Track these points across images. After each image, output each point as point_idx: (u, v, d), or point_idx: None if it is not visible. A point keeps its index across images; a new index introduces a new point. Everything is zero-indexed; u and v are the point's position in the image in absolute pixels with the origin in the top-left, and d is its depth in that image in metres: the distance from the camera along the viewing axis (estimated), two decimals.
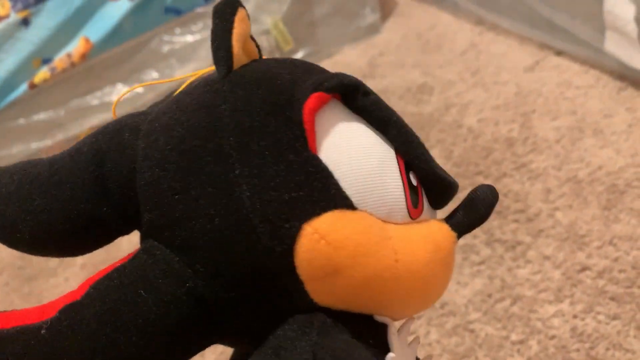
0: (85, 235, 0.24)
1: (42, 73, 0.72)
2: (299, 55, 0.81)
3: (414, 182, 0.24)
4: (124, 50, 0.75)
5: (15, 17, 0.70)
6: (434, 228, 0.24)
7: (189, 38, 0.78)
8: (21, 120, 0.74)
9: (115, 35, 0.73)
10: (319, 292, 0.21)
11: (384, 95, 0.81)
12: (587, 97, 0.61)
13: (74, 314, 0.21)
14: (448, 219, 0.25)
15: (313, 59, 0.84)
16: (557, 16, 0.64)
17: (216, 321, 0.22)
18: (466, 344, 0.44)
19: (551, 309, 0.45)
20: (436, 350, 0.45)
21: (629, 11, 0.55)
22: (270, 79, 0.23)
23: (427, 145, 0.69)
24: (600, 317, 0.43)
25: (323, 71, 0.25)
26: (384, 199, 0.23)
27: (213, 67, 0.28)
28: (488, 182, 0.56)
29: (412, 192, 0.24)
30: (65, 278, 0.59)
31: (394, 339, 0.23)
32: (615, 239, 0.48)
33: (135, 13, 0.74)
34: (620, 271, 0.45)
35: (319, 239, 0.21)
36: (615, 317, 0.43)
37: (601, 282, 0.45)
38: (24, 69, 0.72)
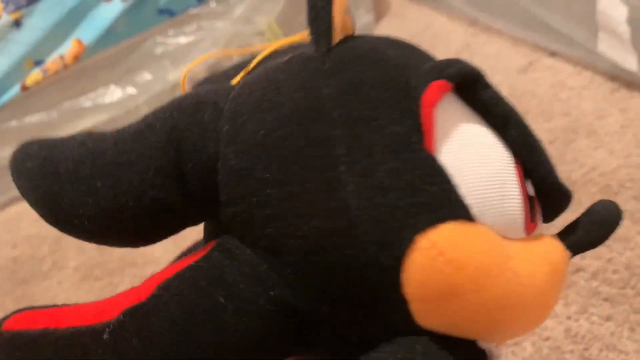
0: (151, 223, 0.20)
1: (34, 75, 0.72)
2: None
3: (531, 192, 0.21)
4: (117, 51, 0.75)
5: (6, 18, 0.70)
6: (549, 247, 0.21)
7: (183, 39, 0.78)
8: (13, 123, 0.74)
9: (108, 36, 0.73)
10: (427, 315, 0.19)
11: None
12: (581, 99, 0.61)
13: (140, 318, 0.19)
14: (562, 236, 0.22)
15: None
16: (551, 17, 0.64)
17: (303, 335, 0.19)
18: None
19: None
20: None
21: (622, 12, 0.55)
22: (378, 60, 0.20)
23: None
24: (594, 318, 0.43)
25: (432, 56, 0.22)
26: (504, 210, 0.20)
27: (293, 39, 0.24)
28: None
29: (529, 202, 0.21)
30: (58, 281, 0.59)
31: None
32: (609, 240, 0.48)
33: (128, 14, 0.73)
34: (614, 272, 0.45)
35: (437, 255, 0.18)
36: (608, 318, 0.43)
37: (595, 283, 0.45)
38: (16, 71, 0.71)
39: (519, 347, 0.43)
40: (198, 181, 0.20)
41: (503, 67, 0.68)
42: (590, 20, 0.59)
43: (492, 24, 0.73)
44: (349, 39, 0.21)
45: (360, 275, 0.18)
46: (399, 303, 0.18)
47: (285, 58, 0.22)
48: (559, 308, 0.44)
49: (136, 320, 0.19)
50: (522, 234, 0.21)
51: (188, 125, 0.20)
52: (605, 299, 0.44)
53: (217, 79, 0.24)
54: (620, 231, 0.48)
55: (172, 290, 0.19)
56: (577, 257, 0.47)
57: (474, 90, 0.20)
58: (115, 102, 0.75)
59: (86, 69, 0.74)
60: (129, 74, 0.77)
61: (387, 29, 0.82)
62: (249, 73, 0.23)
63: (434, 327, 0.19)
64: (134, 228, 0.21)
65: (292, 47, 0.23)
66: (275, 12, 0.78)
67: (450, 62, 0.20)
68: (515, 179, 0.20)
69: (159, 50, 0.77)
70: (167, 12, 0.77)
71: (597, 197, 0.51)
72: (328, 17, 0.20)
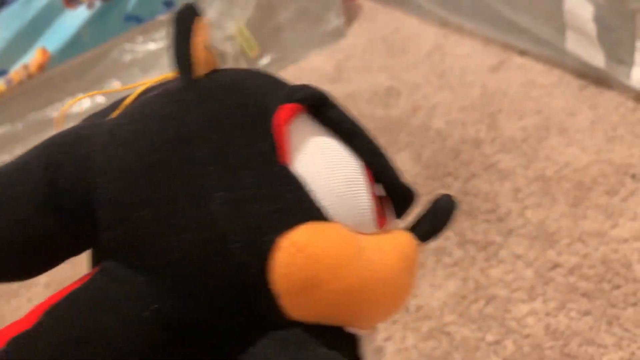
0: (33, 257, 0.22)
1: None
2: (265, 61, 0.80)
3: (380, 192, 0.24)
4: (84, 60, 0.73)
5: None
6: (399, 237, 0.24)
7: (152, 46, 0.77)
8: None
9: (74, 44, 0.71)
10: (295, 307, 0.21)
11: (351, 99, 0.81)
12: (551, 96, 0.62)
13: (25, 345, 0.20)
14: (411, 228, 0.25)
15: (279, 64, 0.83)
16: (520, 17, 0.65)
17: (187, 342, 0.21)
18: (443, 347, 0.44)
19: (525, 308, 0.45)
20: (413, 355, 0.44)
21: (588, 11, 0.56)
22: (238, 88, 0.23)
23: (396, 148, 0.69)
24: (572, 314, 0.44)
25: (288, 83, 0.25)
26: (356, 209, 0.23)
27: (166, 76, 0.28)
28: (457, 183, 0.56)
29: (380, 203, 0.24)
30: (28, 299, 0.57)
31: (366, 350, 0.23)
32: (584, 235, 0.48)
33: (94, 22, 0.72)
34: (590, 267, 0.46)
35: (296, 252, 0.20)
36: (586, 313, 0.43)
37: (572, 279, 0.46)
38: None
39: (499, 345, 0.43)
40: (76, 213, 0.22)
41: (474, 67, 0.69)
42: (558, 20, 0.60)
43: (462, 25, 0.74)
44: (213, 72, 0.24)
45: (234, 280, 0.20)
46: (271, 300, 0.21)
47: (157, 91, 0.24)
48: (538, 305, 0.45)
49: (22, 348, 0.20)
50: (374, 229, 0.23)
51: (64, 160, 0.22)
52: (583, 294, 0.44)
53: (100, 115, 0.26)
54: (594, 226, 0.49)
55: (57, 315, 0.20)
56: (554, 254, 0.48)
57: (323, 111, 0.23)
58: (84, 112, 0.74)
59: (52, 79, 0.72)
60: (98, 83, 0.75)
61: (358, 32, 0.82)
62: (126, 107, 0.25)
63: (304, 317, 0.21)
64: (15, 262, 0.22)
65: (165, 82, 0.26)
66: (245, 17, 0.78)
67: (300, 88, 0.23)
68: (365, 182, 0.23)
69: (127, 57, 0.76)
70: (135, 19, 0.75)
71: (571, 194, 0.52)
72: (188, 51, 0.23)
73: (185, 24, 0.23)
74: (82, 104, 0.74)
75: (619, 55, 0.56)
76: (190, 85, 0.23)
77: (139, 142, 0.22)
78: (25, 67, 0.70)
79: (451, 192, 0.57)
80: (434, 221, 0.25)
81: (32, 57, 0.70)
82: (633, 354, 0.40)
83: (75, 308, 0.20)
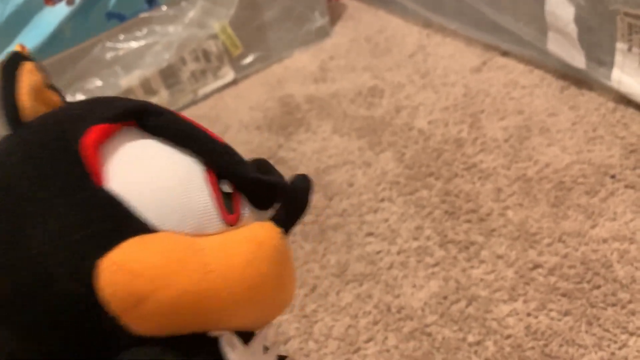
0: None
1: None
2: (248, 60, 0.80)
3: (229, 189, 0.24)
4: (64, 57, 0.72)
5: None
6: (255, 228, 0.24)
7: (134, 44, 0.76)
8: None
9: (54, 42, 0.70)
10: (137, 323, 0.21)
11: (335, 99, 0.81)
12: (533, 97, 0.62)
13: None
14: (272, 217, 0.25)
15: (263, 63, 0.83)
16: (502, 18, 0.65)
17: None
18: (424, 347, 0.44)
19: (506, 309, 0.45)
20: (394, 356, 0.44)
21: (569, 12, 0.57)
22: (57, 121, 0.23)
23: (379, 148, 0.69)
24: (553, 314, 0.44)
25: (118, 102, 0.25)
26: (190, 213, 0.23)
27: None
28: (439, 183, 0.56)
29: (226, 200, 0.24)
30: None
31: (228, 350, 0.23)
32: (564, 235, 0.48)
33: (74, 19, 0.71)
34: (570, 267, 0.46)
35: (117, 269, 0.20)
36: (567, 313, 0.44)
37: (552, 279, 0.46)
38: None
39: (481, 346, 0.43)
40: None
41: (457, 67, 0.69)
42: (539, 20, 0.60)
43: (445, 25, 0.74)
44: (49, 111, 0.25)
45: (69, 312, 0.21)
46: (112, 321, 0.21)
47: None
48: (519, 305, 0.45)
49: None
50: (222, 227, 0.24)
51: None
52: (563, 295, 0.45)
53: None
54: (574, 226, 0.49)
55: None
56: (534, 254, 0.48)
57: (147, 121, 0.24)
58: None
59: (30, 55, 0.71)
60: (79, 81, 0.74)
61: (343, 31, 0.82)
62: None
63: (152, 332, 0.22)
64: None
65: None
66: (228, 16, 0.77)
67: (113, 106, 0.24)
68: (201, 183, 0.23)
69: (109, 55, 0.75)
70: (117, 17, 0.74)
71: (552, 194, 0.52)
72: (11, 100, 0.24)
73: (8, 71, 0.24)
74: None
75: (599, 56, 0.57)
76: (16, 131, 0.23)
77: None
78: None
79: (433, 192, 0.57)
80: (291, 204, 0.25)
81: None
82: (613, 354, 0.40)
83: None
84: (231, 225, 0.24)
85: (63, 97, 0.26)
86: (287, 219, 0.25)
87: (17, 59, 0.24)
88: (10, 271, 0.21)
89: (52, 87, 0.25)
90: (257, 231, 0.24)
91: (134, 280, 0.20)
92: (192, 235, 0.23)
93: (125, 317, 0.21)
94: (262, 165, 0.27)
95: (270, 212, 0.26)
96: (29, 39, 0.70)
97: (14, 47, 0.73)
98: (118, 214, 0.21)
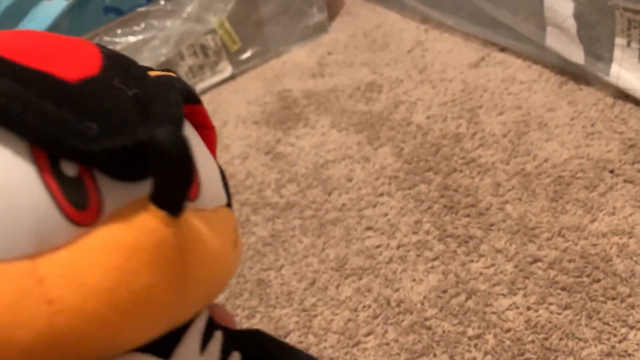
0: None
1: None
2: (247, 55, 0.80)
3: (72, 172, 0.17)
4: None
5: None
6: (123, 225, 0.16)
7: (131, 39, 0.76)
8: None
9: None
10: None
11: (333, 94, 0.80)
12: (531, 92, 0.62)
13: None
14: (150, 195, 0.16)
15: (261, 58, 0.82)
16: (500, 13, 0.65)
17: None
18: (424, 341, 0.44)
19: (505, 302, 0.45)
20: (394, 349, 0.44)
21: (568, 7, 0.57)
22: None
23: (377, 143, 0.68)
24: (553, 308, 0.44)
25: None
26: (19, 227, 0.16)
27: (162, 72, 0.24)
28: (438, 178, 0.56)
29: (69, 189, 0.16)
30: None
31: None
32: (564, 229, 0.48)
33: (72, 13, 0.70)
34: (570, 261, 0.46)
35: None
36: (566, 307, 0.44)
37: (552, 273, 0.46)
38: None
39: (480, 340, 0.43)
40: None
41: (455, 62, 0.69)
42: (538, 16, 0.60)
43: (443, 20, 0.74)
44: None
45: None
46: None
47: None
48: (519, 299, 0.45)
49: None
50: (74, 229, 0.16)
51: None
52: (563, 288, 0.45)
53: None
54: (574, 220, 0.49)
55: None
56: (534, 248, 0.48)
57: None
58: None
59: None
60: None
61: (341, 27, 0.82)
62: None
63: None
64: None
65: None
66: (226, 11, 0.77)
67: None
68: (25, 177, 0.16)
69: None
70: (114, 11, 0.74)
71: (551, 188, 0.52)
72: None
73: None
74: None
75: (598, 51, 0.57)
76: None
77: None
78: None
79: (432, 187, 0.57)
80: (164, 173, 0.16)
81: None
82: (613, 347, 0.41)
83: None
84: (89, 225, 0.17)
85: None
86: (165, 193, 0.16)
87: None
88: None
89: None
90: (127, 231, 0.16)
91: None
92: (30, 257, 0.16)
93: None
94: (151, 97, 0.19)
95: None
96: None
97: None
98: None
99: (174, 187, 0.16)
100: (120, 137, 0.16)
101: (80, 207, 0.17)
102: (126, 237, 0.16)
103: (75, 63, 0.19)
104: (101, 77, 0.18)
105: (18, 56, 0.18)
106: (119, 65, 0.20)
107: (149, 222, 0.16)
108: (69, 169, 0.17)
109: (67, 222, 0.16)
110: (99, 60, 0.19)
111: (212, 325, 0.21)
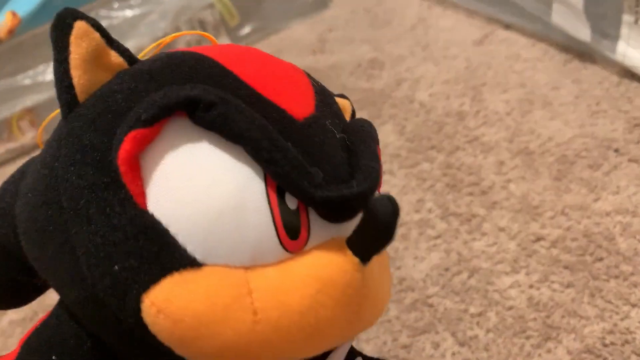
0: (5, 295, 0.23)
1: None
2: (246, 31, 0.78)
3: (293, 205, 0.19)
4: None
5: None
6: (323, 260, 0.19)
7: (128, 13, 0.74)
8: None
9: (46, 9, 0.68)
10: (192, 356, 0.19)
11: (334, 71, 0.79)
12: (535, 70, 0.61)
13: None
14: (348, 241, 0.19)
15: (260, 34, 0.81)
16: None
17: None
18: (425, 318, 0.44)
19: (508, 280, 0.45)
20: (396, 326, 0.44)
21: None
22: (103, 112, 0.19)
23: (379, 121, 0.68)
24: (555, 286, 0.44)
25: (185, 79, 0.20)
26: (244, 241, 0.19)
27: (159, 42, 0.25)
28: (441, 156, 0.56)
29: (288, 221, 0.19)
30: None
31: None
32: (567, 208, 0.48)
33: None
34: (573, 240, 0.46)
35: (157, 312, 0.18)
36: (569, 285, 0.44)
37: (555, 252, 0.46)
38: None
39: (483, 317, 0.43)
40: (24, 259, 0.22)
41: (459, 39, 0.68)
42: None
43: None
44: (105, 85, 0.21)
45: (127, 334, 0.19)
46: (170, 351, 0.19)
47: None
48: (521, 277, 0.45)
49: None
50: (283, 254, 0.19)
51: (2, 212, 0.22)
52: (565, 267, 0.45)
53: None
54: (577, 199, 0.49)
55: (26, 349, 0.21)
56: (537, 227, 0.48)
57: (196, 115, 0.19)
58: None
59: (23, 45, 0.69)
60: None
61: (342, 3, 0.81)
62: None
63: None
64: None
65: None
66: None
67: (153, 101, 0.19)
68: (260, 200, 0.19)
69: (103, 24, 0.73)
70: None
71: (555, 167, 0.52)
72: (63, 77, 0.20)
73: (58, 41, 0.20)
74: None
75: (604, 29, 0.56)
76: (66, 117, 0.20)
77: (27, 195, 0.21)
78: None
79: (435, 165, 0.57)
80: (370, 230, 0.19)
81: (2, 21, 0.67)
82: (615, 325, 0.41)
83: (33, 347, 0.21)
84: (293, 253, 0.19)
85: (127, 55, 0.21)
86: (363, 250, 0.19)
87: (66, 20, 0.20)
88: (73, 285, 0.19)
89: (113, 44, 0.20)
90: (327, 266, 0.19)
91: (175, 326, 0.18)
92: (245, 267, 0.19)
93: (179, 350, 0.19)
94: (356, 143, 0.21)
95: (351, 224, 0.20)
96: (20, 6, 0.68)
97: (4, 14, 0.71)
98: (158, 245, 0.18)
99: (375, 244, 0.19)
100: (339, 188, 0.19)
101: (293, 237, 0.19)
102: (323, 272, 0.19)
103: (298, 98, 0.21)
104: (317, 117, 0.21)
105: (258, 84, 0.20)
106: (326, 101, 0.22)
107: (344, 264, 0.19)
108: (291, 202, 0.19)
109: (280, 247, 0.19)
110: (313, 95, 0.22)
111: (353, 350, 0.24)
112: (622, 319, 0.41)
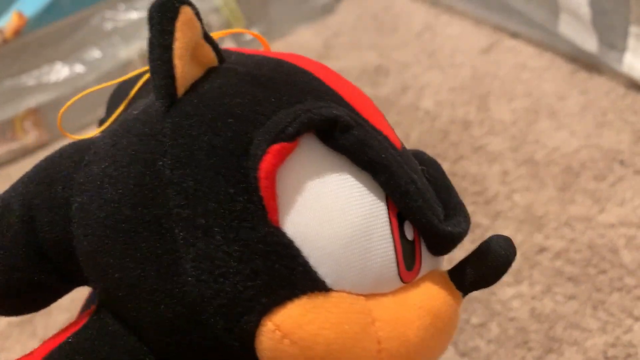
0: (25, 299, 0.21)
1: None
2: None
3: (410, 235, 0.20)
4: (62, 26, 0.71)
5: None
6: (432, 292, 0.20)
7: (134, 15, 0.74)
8: None
9: (53, 9, 0.68)
10: None
11: None
12: (542, 80, 0.61)
13: None
14: (453, 274, 0.21)
15: (266, 38, 0.81)
16: None
17: None
18: None
19: (510, 291, 0.44)
20: None
21: None
22: (221, 114, 0.18)
23: None
24: (558, 298, 0.43)
25: (300, 91, 0.19)
26: (369, 269, 0.19)
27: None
28: (446, 164, 0.55)
29: (406, 251, 0.20)
30: None
31: None
32: (571, 219, 0.48)
33: None
34: (576, 251, 0.46)
35: (282, 337, 0.17)
36: (572, 297, 0.43)
37: (558, 263, 0.45)
38: None
39: (485, 328, 0.43)
40: (61, 259, 0.20)
41: (465, 48, 0.68)
42: (551, 2, 0.59)
43: (453, 4, 0.73)
44: (205, 81, 0.19)
45: (218, 356, 0.18)
46: None
47: (137, 111, 0.20)
48: (524, 288, 0.44)
49: None
50: (398, 284, 0.20)
51: (42, 202, 0.20)
52: (569, 279, 0.44)
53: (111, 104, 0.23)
54: (582, 211, 0.48)
55: None
56: (541, 238, 0.48)
57: (332, 136, 0.19)
58: (62, 80, 0.71)
59: (29, 45, 0.69)
60: (77, 51, 0.73)
61: (348, 8, 0.81)
62: (111, 123, 0.22)
63: None
64: (7, 303, 0.21)
65: (149, 97, 0.21)
66: None
67: (296, 115, 0.18)
68: (384, 228, 0.19)
69: (108, 25, 0.73)
70: None
71: (560, 178, 0.51)
72: (166, 67, 0.18)
73: (162, 25, 0.18)
74: (60, 73, 0.71)
75: (611, 40, 0.56)
76: (167, 110, 0.19)
77: (109, 191, 0.19)
78: (0, 31, 0.67)
79: None
80: (481, 268, 0.20)
81: (8, 22, 0.67)
82: (618, 338, 0.40)
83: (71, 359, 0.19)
84: (405, 283, 0.20)
85: (217, 50, 0.20)
86: (469, 284, 0.20)
87: (173, 4, 0.18)
88: (162, 299, 0.18)
89: (207, 37, 0.19)
90: (436, 298, 0.20)
91: (301, 353, 0.17)
92: (366, 296, 0.19)
93: None
94: (435, 177, 0.22)
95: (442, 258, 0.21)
96: (27, 6, 0.68)
97: (10, 15, 0.71)
98: (291, 266, 0.17)
99: (484, 280, 0.20)
100: (455, 224, 0.20)
101: (409, 267, 0.20)
102: (434, 305, 0.20)
103: (388, 127, 0.22)
104: (403, 147, 0.22)
105: (359, 107, 0.21)
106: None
107: (449, 297, 0.20)
108: (409, 233, 0.20)
109: (398, 277, 0.19)
110: (389, 125, 0.22)
111: None
112: (624, 332, 0.40)
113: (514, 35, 0.67)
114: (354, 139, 0.19)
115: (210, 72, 0.20)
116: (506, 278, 0.46)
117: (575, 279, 0.44)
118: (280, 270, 0.17)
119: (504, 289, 0.45)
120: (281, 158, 0.18)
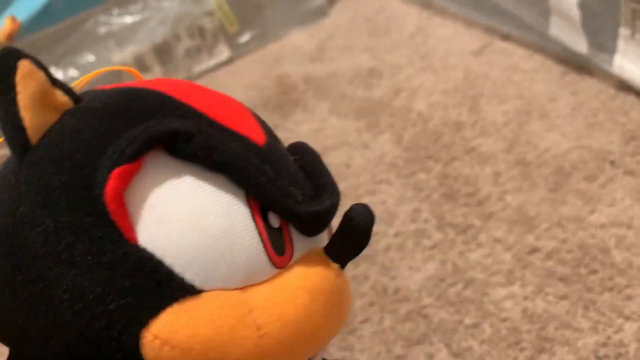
0: None
1: None
2: (245, 38, 0.79)
3: (276, 223, 0.21)
4: (56, 31, 0.71)
5: None
6: (308, 270, 0.21)
7: (128, 19, 0.74)
8: None
9: (46, 14, 0.68)
10: None
11: (333, 79, 0.80)
12: (533, 81, 0.62)
13: None
14: (327, 249, 0.22)
15: (260, 41, 0.81)
16: (504, 0, 0.64)
17: None
18: (420, 329, 0.44)
19: (503, 292, 0.45)
20: (390, 337, 0.44)
21: None
22: (70, 153, 0.19)
23: (377, 130, 0.68)
24: (550, 298, 0.44)
25: (146, 113, 0.20)
26: (237, 264, 0.20)
27: (121, 69, 0.25)
28: (438, 166, 0.56)
29: (273, 239, 0.21)
30: None
31: None
32: (563, 220, 0.48)
33: None
34: (568, 252, 0.46)
35: (162, 345, 0.18)
36: (563, 297, 0.44)
37: (550, 263, 0.46)
38: None
39: (477, 329, 0.43)
40: None
41: (457, 50, 0.68)
42: (542, 4, 0.60)
43: (445, 6, 0.73)
44: (57, 123, 0.20)
45: None
46: None
47: (3, 165, 0.22)
48: (516, 289, 0.45)
49: None
50: (272, 271, 0.21)
51: None
52: (560, 279, 0.45)
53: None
54: (573, 211, 0.49)
55: None
56: (532, 238, 0.48)
57: (176, 148, 0.19)
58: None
59: (23, 49, 0.70)
60: (71, 55, 0.73)
61: (341, 11, 0.81)
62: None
63: None
64: None
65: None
66: None
67: (134, 136, 0.19)
68: (246, 222, 0.20)
69: (102, 30, 0.73)
70: None
71: (551, 179, 0.52)
72: (13, 119, 0.19)
73: (4, 81, 0.19)
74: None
75: (601, 42, 0.56)
76: (21, 159, 0.20)
77: None
78: None
79: (431, 175, 0.57)
80: (346, 238, 0.21)
81: (1, 26, 0.67)
82: (609, 337, 0.41)
83: None
84: (281, 268, 0.21)
85: (70, 92, 0.21)
86: (343, 255, 0.21)
87: (10, 60, 0.19)
88: (49, 334, 0.19)
89: (56, 83, 0.20)
90: (312, 275, 0.20)
91: (183, 355, 0.18)
92: (241, 289, 0.20)
93: None
94: (308, 164, 0.23)
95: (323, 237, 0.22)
96: (20, 11, 0.68)
97: (4, 19, 0.71)
98: (155, 277, 0.19)
99: (353, 249, 0.22)
100: (315, 204, 0.21)
101: (280, 253, 0.21)
102: (311, 282, 0.20)
103: (251, 126, 0.22)
104: (271, 142, 0.22)
105: (215, 114, 0.21)
106: (267, 128, 0.23)
107: (327, 272, 0.21)
108: (274, 221, 0.21)
109: (270, 264, 0.20)
110: (258, 123, 0.23)
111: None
112: (615, 332, 0.41)
113: (506, 37, 0.68)
114: (198, 146, 0.19)
115: (64, 115, 0.21)
116: (499, 278, 0.46)
117: (566, 279, 0.45)
118: (147, 284, 0.19)
119: (497, 289, 0.45)
120: (124, 180, 0.19)
